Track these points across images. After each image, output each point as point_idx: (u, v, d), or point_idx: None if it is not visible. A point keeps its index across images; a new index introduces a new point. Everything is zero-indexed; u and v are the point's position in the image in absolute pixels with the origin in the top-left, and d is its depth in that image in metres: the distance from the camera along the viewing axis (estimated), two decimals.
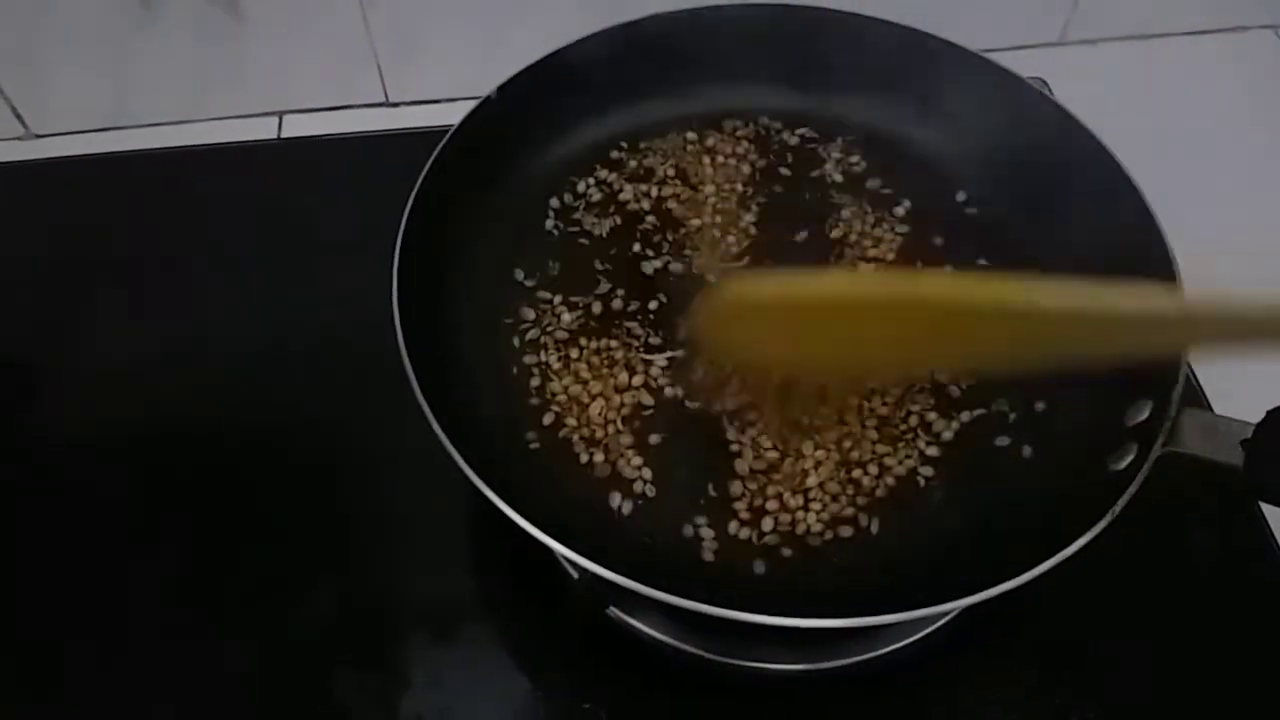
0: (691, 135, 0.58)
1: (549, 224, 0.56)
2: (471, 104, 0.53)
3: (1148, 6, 0.73)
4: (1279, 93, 0.71)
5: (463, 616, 0.48)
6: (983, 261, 0.53)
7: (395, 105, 0.71)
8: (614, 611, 0.47)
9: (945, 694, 0.46)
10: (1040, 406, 0.47)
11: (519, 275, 0.54)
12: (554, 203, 0.56)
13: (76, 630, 0.48)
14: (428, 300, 0.48)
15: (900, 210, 0.56)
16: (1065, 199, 0.52)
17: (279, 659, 0.47)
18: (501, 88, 0.53)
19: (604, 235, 0.55)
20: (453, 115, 0.52)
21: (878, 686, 0.46)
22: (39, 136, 0.70)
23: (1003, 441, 0.47)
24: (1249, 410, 0.40)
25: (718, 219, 0.56)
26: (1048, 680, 0.46)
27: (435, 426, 0.40)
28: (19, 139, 0.70)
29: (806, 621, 0.37)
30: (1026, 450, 0.47)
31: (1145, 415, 0.42)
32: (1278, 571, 0.49)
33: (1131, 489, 0.38)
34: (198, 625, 0.48)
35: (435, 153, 0.50)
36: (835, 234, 0.55)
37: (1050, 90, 0.69)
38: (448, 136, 0.51)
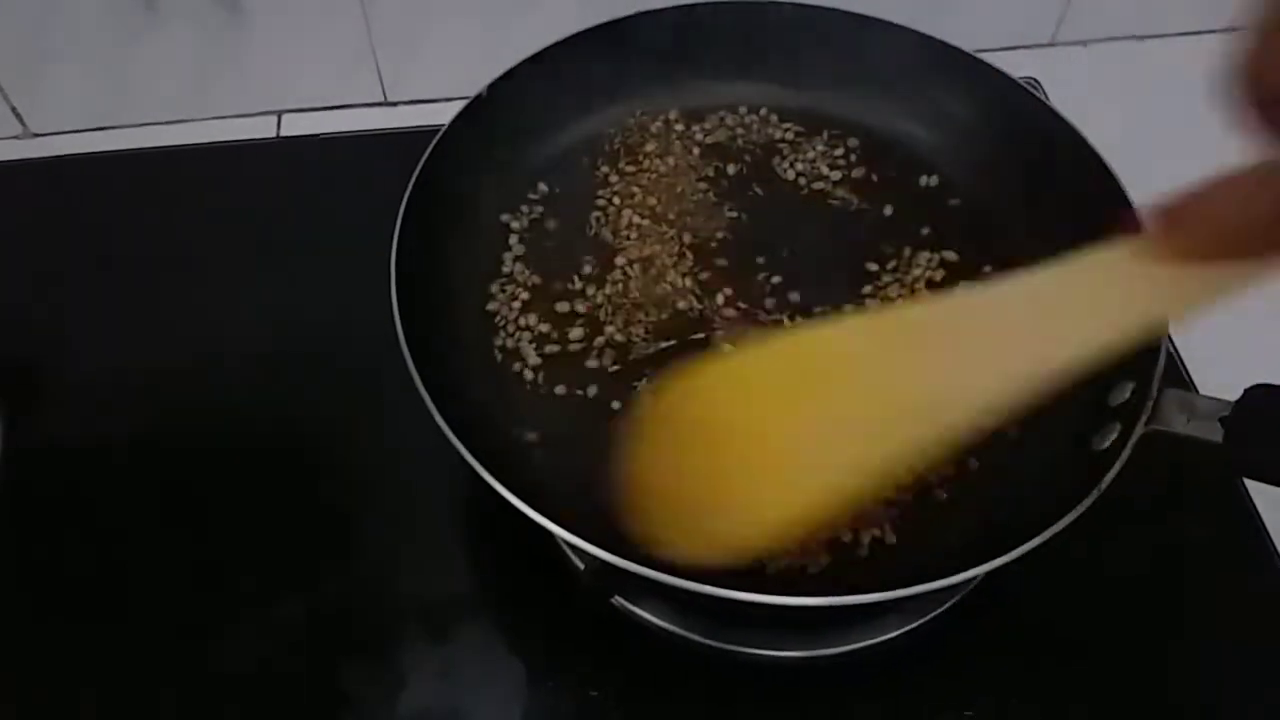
0: (679, 128, 0.59)
1: (543, 218, 0.56)
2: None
3: (1139, 7, 0.73)
4: None
5: (469, 609, 0.48)
6: (958, 246, 0.54)
7: (394, 104, 0.72)
8: (619, 601, 0.47)
9: (951, 680, 0.47)
10: None
11: (515, 268, 0.54)
12: (545, 196, 0.57)
13: (81, 626, 0.48)
14: (426, 298, 0.48)
15: (884, 204, 0.56)
16: (1049, 193, 0.53)
17: (285, 654, 0.47)
18: (492, 85, 0.54)
19: (595, 226, 0.56)
20: (450, 114, 0.52)
21: (877, 672, 0.47)
22: (37, 135, 0.70)
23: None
24: (1231, 387, 0.40)
25: (703, 211, 0.56)
26: (1037, 666, 0.47)
27: (442, 424, 0.40)
28: (17, 138, 0.70)
29: (794, 600, 0.37)
30: (1012, 431, 0.47)
31: (1127, 395, 0.42)
32: (1263, 552, 0.50)
33: (1115, 468, 0.39)
34: (203, 621, 0.48)
35: (428, 151, 0.50)
36: (819, 228, 0.55)
37: (1042, 90, 0.70)
38: (440, 134, 0.51)
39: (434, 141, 0.51)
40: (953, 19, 0.70)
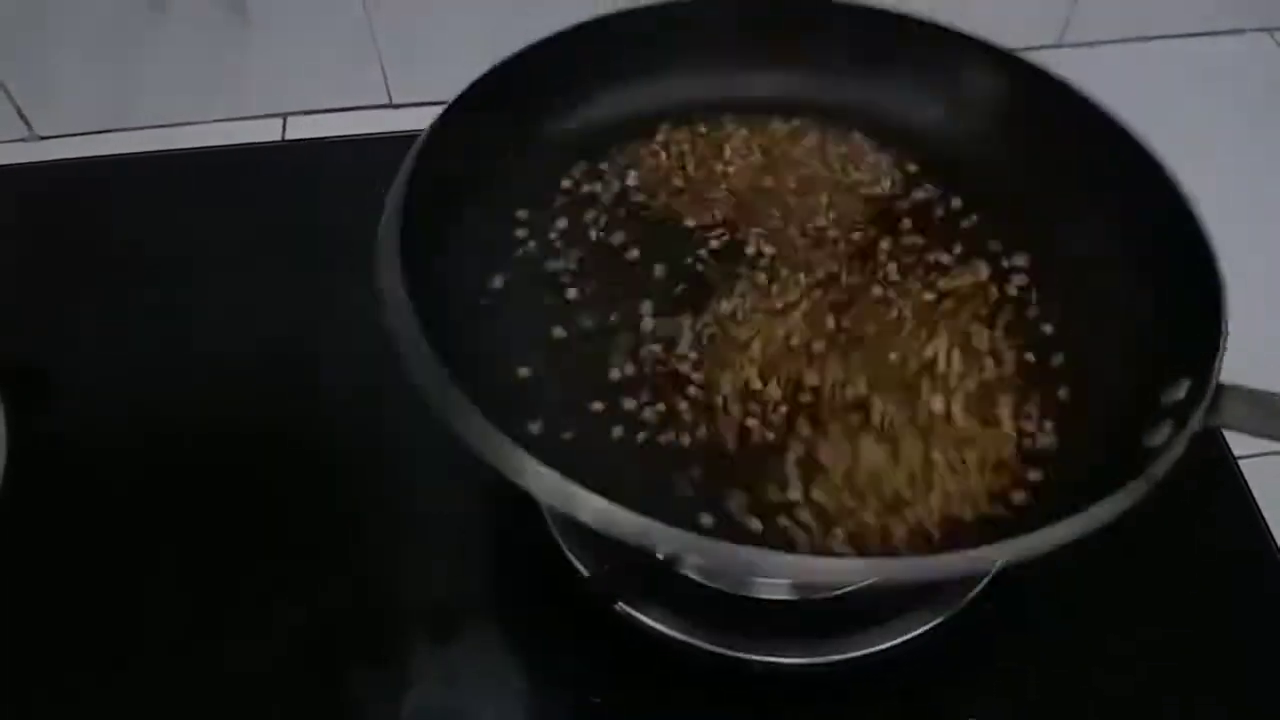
0: (705, 114, 0.58)
1: (540, 215, 0.56)
2: None
3: (1145, 9, 0.73)
4: (1275, 95, 0.72)
5: (471, 614, 0.48)
6: (998, 241, 0.53)
7: (398, 107, 0.72)
8: (622, 607, 0.47)
9: (953, 687, 0.47)
10: (1063, 394, 0.46)
11: (526, 253, 0.54)
12: (543, 193, 0.56)
13: (85, 627, 0.48)
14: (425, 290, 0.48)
15: (903, 190, 0.55)
16: (1089, 181, 0.52)
17: (289, 657, 0.47)
18: (472, 85, 0.52)
19: (617, 220, 0.55)
20: None
21: (885, 680, 0.47)
22: (44, 138, 0.70)
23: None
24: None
25: (715, 207, 0.56)
26: (1044, 674, 0.47)
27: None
28: (24, 140, 0.70)
29: (823, 561, 0.36)
30: (1052, 434, 0.45)
31: (1183, 394, 0.40)
32: (1270, 559, 0.50)
33: (1171, 455, 0.36)
34: (206, 623, 0.48)
35: (414, 150, 0.49)
36: (832, 214, 0.54)
37: None
38: (424, 135, 0.50)
39: (415, 145, 0.49)
40: (959, 20, 0.70)
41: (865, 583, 0.40)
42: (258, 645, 0.48)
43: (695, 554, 0.35)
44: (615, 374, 0.47)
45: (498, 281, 0.50)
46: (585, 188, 0.55)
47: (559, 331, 0.49)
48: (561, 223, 0.54)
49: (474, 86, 0.50)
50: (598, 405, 0.46)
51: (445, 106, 0.48)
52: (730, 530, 0.41)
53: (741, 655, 0.46)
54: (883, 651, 0.46)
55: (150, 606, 0.49)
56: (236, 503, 0.52)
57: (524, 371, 0.47)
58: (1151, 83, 0.72)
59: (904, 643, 0.47)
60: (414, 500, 0.52)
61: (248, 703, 0.46)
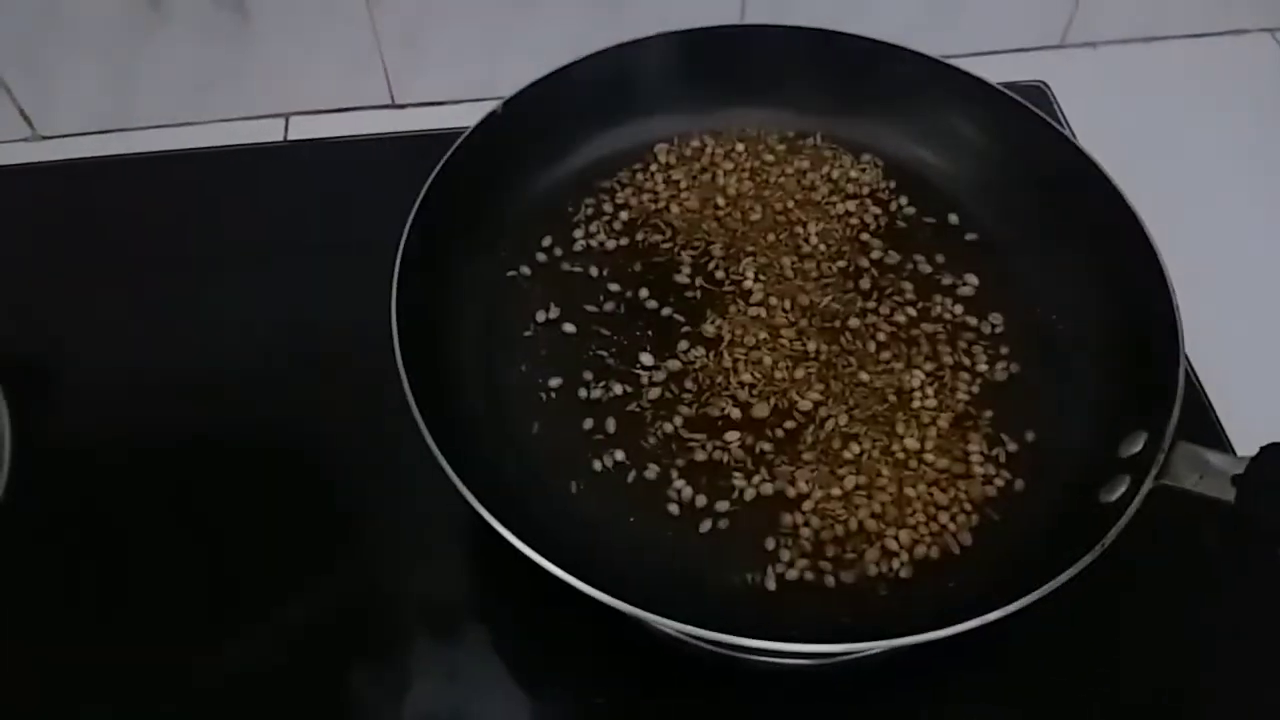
0: (696, 144, 0.59)
1: (551, 239, 0.56)
2: (477, 106, 0.53)
3: (1148, 9, 0.73)
4: (1276, 95, 0.72)
5: (474, 613, 0.49)
6: (973, 280, 0.54)
7: (401, 107, 0.72)
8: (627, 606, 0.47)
9: (955, 688, 0.47)
10: (1030, 436, 0.48)
11: (523, 285, 0.54)
12: (559, 216, 0.57)
13: (80, 630, 0.49)
14: (427, 314, 0.49)
15: (899, 225, 0.56)
16: (1064, 224, 0.53)
17: (289, 658, 0.48)
18: (507, 102, 0.53)
19: (610, 250, 0.56)
20: (458, 117, 0.52)
21: (885, 680, 0.47)
22: (46, 138, 0.70)
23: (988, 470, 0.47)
24: (1265, 434, 0.40)
25: (721, 234, 0.56)
26: (1056, 676, 0.47)
27: (437, 452, 0.41)
28: (26, 140, 0.70)
29: (780, 645, 0.38)
30: (1019, 484, 0.47)
31: (1139, 447, 0.42)
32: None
33: (1121, 523, 0.38)
34: (206, 624, 0.49)
35: (438, 167, 0.51)
36: (826, 247, 0.55)
37: (1051, 92, 0.70)
38: (451, 151, 0.51)
39: (443, 159, 0.51)
40: (961, 21, 0.70)
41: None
42: (258, 645, 0.48)
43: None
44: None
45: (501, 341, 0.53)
46: (577, 230, 0.56)
47: (555, 381, 0.51)
48: (560, 264, 0.55)
49: (466, 139, 0.52)
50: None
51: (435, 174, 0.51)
52: None
53: (742, 655, 0.46)
54: (884, 651, 0.46)
55: (150, 607, 0.49)
56: (237, 503, 0.52)
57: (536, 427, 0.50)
58: (1154, 83, 0.72)
59: (905, 642, 0.46)
60: (414, 499, 0.52)
61: (248, 702, 0.46)
